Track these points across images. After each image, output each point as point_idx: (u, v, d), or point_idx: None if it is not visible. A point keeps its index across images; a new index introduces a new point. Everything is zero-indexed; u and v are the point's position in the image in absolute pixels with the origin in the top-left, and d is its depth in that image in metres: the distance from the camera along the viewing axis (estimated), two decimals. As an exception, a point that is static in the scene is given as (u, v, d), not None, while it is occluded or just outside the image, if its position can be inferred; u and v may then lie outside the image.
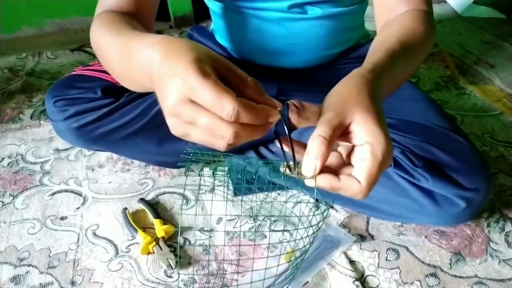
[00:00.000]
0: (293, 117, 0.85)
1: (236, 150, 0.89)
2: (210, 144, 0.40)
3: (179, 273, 0.72)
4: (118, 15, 0.63)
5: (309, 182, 0.42)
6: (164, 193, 0.89)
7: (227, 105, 0.37)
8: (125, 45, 0.51)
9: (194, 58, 0.39)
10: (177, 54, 0.40)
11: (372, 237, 0.78)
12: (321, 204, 0.84)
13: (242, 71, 0.42)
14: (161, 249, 0.75)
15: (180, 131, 0.41)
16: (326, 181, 0.41)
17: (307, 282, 0.71)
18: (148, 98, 0.84)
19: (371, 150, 0.40)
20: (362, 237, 0.78)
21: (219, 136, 0.39)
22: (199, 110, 0.38)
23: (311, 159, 0.40)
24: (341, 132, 0.42)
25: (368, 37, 0.96)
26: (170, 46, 0.41)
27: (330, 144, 0.40)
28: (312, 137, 0.40)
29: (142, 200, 0.86)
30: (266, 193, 0.87)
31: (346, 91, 0.44)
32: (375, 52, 0.53)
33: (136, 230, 0.78)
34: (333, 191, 0.42)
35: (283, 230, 0.79)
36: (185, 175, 0.83)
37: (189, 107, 0.38)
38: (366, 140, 0.41)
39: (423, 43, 0.61)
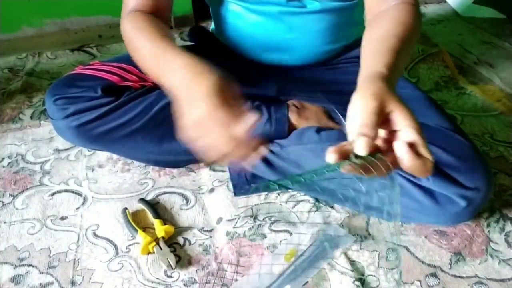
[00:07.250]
0: (293, 117, 0.86)
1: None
2: (206, 151, 0.53)
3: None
4: (146, 17, 0.73)
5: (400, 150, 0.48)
6: (164, 193, 0.89)
7: (235, 131, 0.50)
8: (159, 56, 0.63)
9: (212, 84, 0.52)
10: (202, 79, 0.54)
11: (372, 237, 0.78)
12: (321, 205, 0.84)
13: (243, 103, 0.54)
14: (161, 249, 0.75)
15: (193, 138, 0.53)
16: (410, 156, 0.47)
17: (307, 282, 0.71)
18: (148, 97, 0.84)
19: (412, 130, 0.48)
20: (362, 237, 0.78)
21: (217, 149, 0.52)
22: (212, 128, 0.51)
23: (364, 138, 0.47)
24: (382, 119, 0.48)
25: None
26: (195, 71, 0.56)
27: (376, 127, 0.47)
28: (362, 124, 0.47)
29: (142, 200, 0.86)
30: (266, 193, 0.87)
31: (378, 89, 0.51)
32: (382, 54, 0.59)
33: (136, 230, 0.78)
34: (412, 167, 0.48)
35: (283, 230, 0.79)
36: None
37: (204, 125, 0.51)
38: (406, 124, 0.48)
39: (414, 37, 0.67)
